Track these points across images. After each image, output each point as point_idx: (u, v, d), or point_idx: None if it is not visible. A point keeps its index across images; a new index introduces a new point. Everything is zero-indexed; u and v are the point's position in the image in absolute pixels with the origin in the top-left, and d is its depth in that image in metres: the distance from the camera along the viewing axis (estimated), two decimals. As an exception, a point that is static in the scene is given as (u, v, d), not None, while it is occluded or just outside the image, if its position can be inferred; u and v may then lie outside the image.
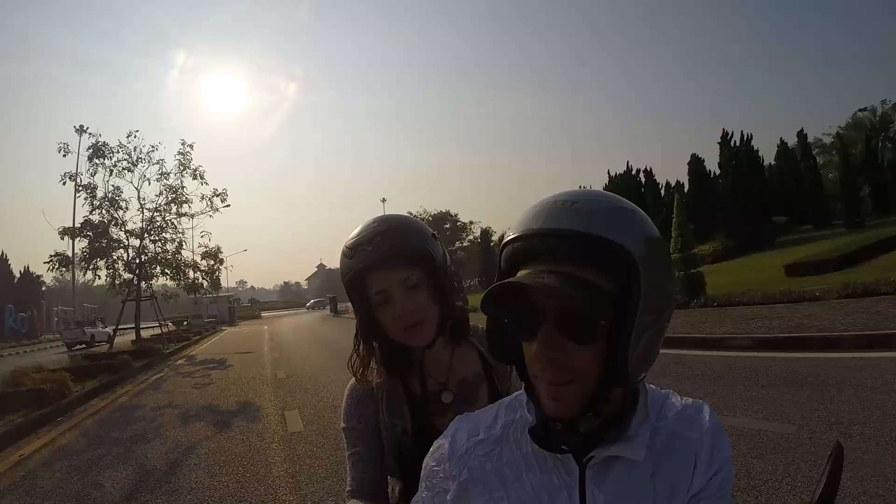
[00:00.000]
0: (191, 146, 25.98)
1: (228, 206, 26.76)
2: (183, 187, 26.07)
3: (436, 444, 1.08)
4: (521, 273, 0.87)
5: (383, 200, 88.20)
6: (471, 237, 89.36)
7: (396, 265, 1.45)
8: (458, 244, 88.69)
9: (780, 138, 47.83)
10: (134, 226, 25.44)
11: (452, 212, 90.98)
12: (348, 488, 1.50)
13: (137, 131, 24.91)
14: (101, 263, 25.01)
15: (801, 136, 46.15)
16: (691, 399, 0.99)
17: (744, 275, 22.83)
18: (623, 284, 0.82)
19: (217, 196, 26.47)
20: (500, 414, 1.04)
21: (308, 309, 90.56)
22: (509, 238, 0.90)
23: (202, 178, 26.06)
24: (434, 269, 1.51)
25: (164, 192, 25.78)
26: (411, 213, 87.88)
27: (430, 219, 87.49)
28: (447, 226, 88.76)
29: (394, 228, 1.49)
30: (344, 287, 1.51)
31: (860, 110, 57.53)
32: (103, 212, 24.72)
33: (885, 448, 4.98)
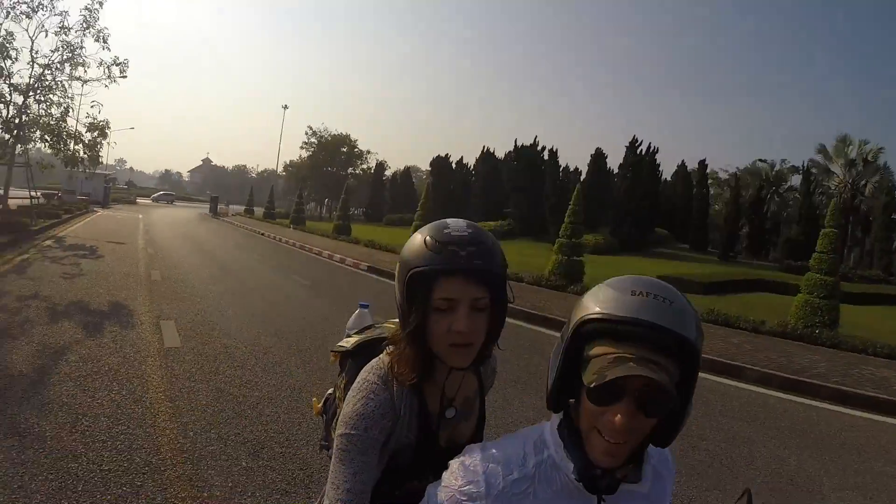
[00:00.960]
0: (100, 3, 22.87)
1: (125, 76, 24.05)
2: (82, 47, 23.13)
3: (462, 477, 1.17)
4: (603, 349, 1.05)
5: (285, 107, 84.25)
6: (364, 166, 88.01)
7: (477, 282, 1.41)
8: (350, 170, 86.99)
9: (682, 160, 50.08)
10: (20, 80, 22.29)
11: (353, 136, 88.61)
12: (342, 496, 1.38)
13: None
14: None
15: (702, 165, 48.67)
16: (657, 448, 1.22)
17: (619, 272, 23.68)
18: (685, 375, 1.06)
19: (117, 66, 23.72)
20: (529, 452, 1.18)
21: (153, 201, 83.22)
22: (610, 317, 1.05)
23: (105, 42, 23.17)
24: (501, 301, 1.48)
25: (61, 48, 22.75)
26: (311, 128, 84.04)
27: (329, 138, 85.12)
28: (344, 149, 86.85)
29: (489, 246, 1.45)
30: (405, 274, 1.44)
31: (760, 160, 61.46)
32: None
33: (728, 467, 5.55)
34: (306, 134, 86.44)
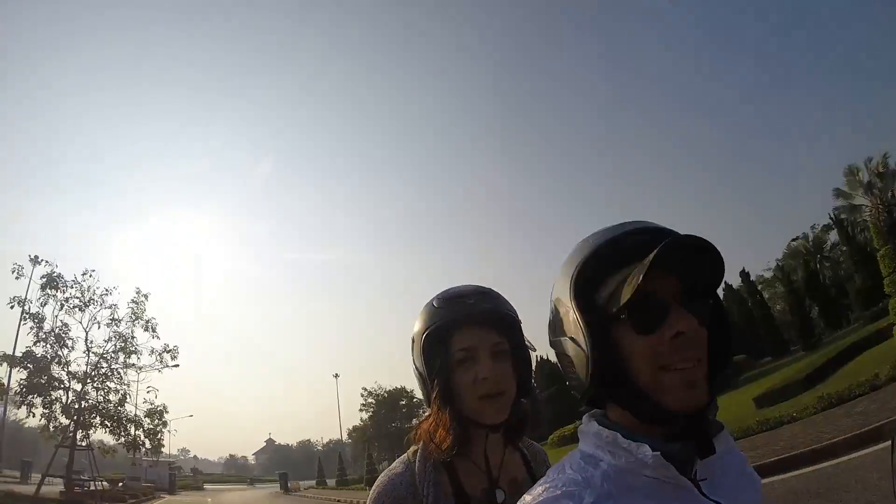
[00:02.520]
0: (145, 296, 25.43)
1: (178, 365, 26.10)
2: (133, 337, 25.23)
3: None
4: (616, 275, 0.94)
5: (336, 376, 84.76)
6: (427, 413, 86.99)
7: (492, 327, 1.44)
8: (414, 420, 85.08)
9: (724, 281, 49.32)
10: (78, 368, 24.04)
11: (408, 388, 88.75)
12: None
13: (94, 271, 24.46)
14: (38, 401, 23.08)
15: (744, 274, 48.14)
16: None
17: (717, 417, 22.59)
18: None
19: (168, 353, 25.70)
20: (584, 471, 0.93)
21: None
22: (607, 240, 0.97)
23: (154, 330, 25.31)
24: (521, 344, 1.51)
25: (114, 338, 24.83)
26: (365, 389, 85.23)
27: (386, 395, 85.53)
28: (403, 402, 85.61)
29: (495, 293, 1.52)
30: (420, 341, 1.47)
31: (793, 240, 60.61)
32: (48, 346, 23.34)
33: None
34: (362, 396, 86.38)
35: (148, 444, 26.36)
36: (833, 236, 54.99)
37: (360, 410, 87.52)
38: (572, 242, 1.05)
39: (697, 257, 0.91)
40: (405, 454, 1.51)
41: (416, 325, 1.50)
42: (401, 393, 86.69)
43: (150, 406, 25.69)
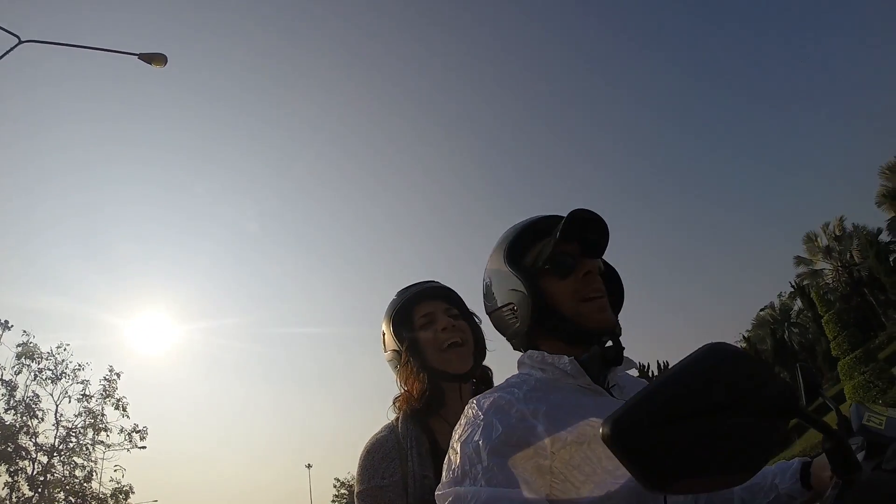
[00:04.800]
0: (118, 375, 25.39)
1: (145, 447, 25.53)
2: (103, 415, 24.98)
3: (491, 406, 1.15)
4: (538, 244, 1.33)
5: (308, 466, 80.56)
6: None
7: (442, 299, 1.85)
8: None
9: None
10: (45, 440, 23.50)
11: None
12: None
13: (69, 344, 24.27)
14: (3, 469, 22.23)
15: (712, 351, 47.92)
16: None
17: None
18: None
19: (136, 433, 25.37)
20: (521, 381, 1.24)
21: None
22: (534, 223, 1.36)
23: (124, 409, 25.17)
24: (469, 312, 1.89)
25: (84, 414, 24.56)
26: (338, 480, 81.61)
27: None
28: None
29: (440, 282, 1.94)
30: (390, 327, 1.82)
31: (761, 310, 61.90)
32: (17, 415, 22.92)
33: None
34: (335, 486, 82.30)
35: None
36: (800, 303, 55.03)
37: (333, 502, 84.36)
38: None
39: (592, 227, 1.27)
40: (385, 426, 1.77)
41: (384, 320, 1.85)
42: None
43: (116, 485, 25.27)
